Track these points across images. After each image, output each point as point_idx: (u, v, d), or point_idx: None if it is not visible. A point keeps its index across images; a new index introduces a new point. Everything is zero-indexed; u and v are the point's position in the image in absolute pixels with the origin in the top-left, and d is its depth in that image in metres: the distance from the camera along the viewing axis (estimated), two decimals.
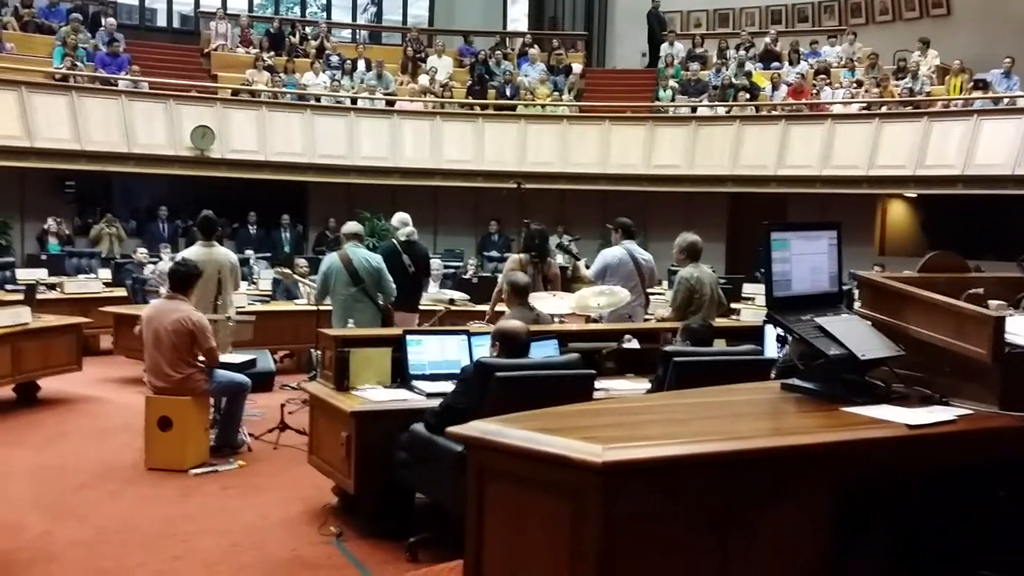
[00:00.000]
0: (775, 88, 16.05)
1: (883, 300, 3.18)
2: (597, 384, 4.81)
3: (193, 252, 7.26)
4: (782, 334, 3.16)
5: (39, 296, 9.57)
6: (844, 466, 2.67)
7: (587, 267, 8.09)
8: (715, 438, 2.65)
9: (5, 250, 13.41)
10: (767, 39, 17.58)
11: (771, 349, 5.46)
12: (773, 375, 4.38)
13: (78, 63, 14.49)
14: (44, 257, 13.01)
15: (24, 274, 11.55)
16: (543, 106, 16.62)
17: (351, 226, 7.75)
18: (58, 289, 11.04)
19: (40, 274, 11.61)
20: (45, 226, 14.10)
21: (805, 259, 3.19)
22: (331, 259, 7.44)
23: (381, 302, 7.35)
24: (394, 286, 7.37)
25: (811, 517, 2.60)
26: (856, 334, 3.05)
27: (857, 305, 3.42)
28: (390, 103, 16.19)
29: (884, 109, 14.86)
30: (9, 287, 10.72)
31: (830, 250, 3.28)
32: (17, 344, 7.77)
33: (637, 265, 7.46)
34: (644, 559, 2.44)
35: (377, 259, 7.39)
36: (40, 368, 8.13)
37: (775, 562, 2.57)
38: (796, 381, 3.15)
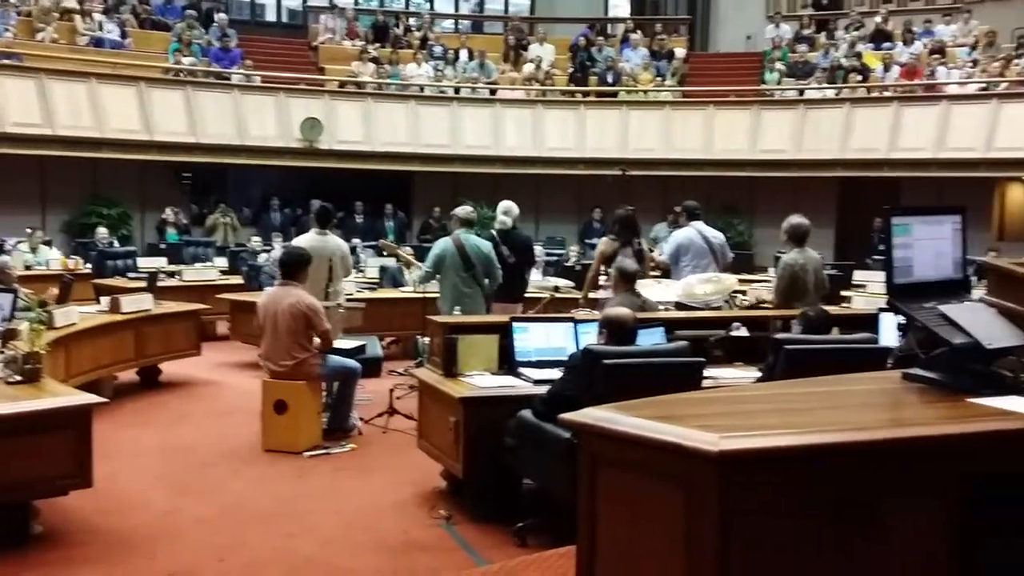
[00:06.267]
0: (887, 69, 15.56)
1: (1011, 287, 3.07)
2: (705, 372, 4.75)
3: (307, 239, 7.46)
4: (903, 322, 3.07)
5: (159, 284, 9.92)
6: (972, 460, 2.58)
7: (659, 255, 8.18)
8: (834, 428, 2.60)
9: (126, 239, 13.98)
10: (878, 19, 17.04)
11: (887, 337, 5.34)
12: (890, 364, 4.29)
13: (192, 58, 14.98)
14: (163, 246, 13.46)
15: (145, 263, 11.97)
16: (645, 92, 16.47)
17: (463, 210, 7.77)
18: (177, 277, 11.41)
19: (160, 262, 12.00)
20: (163, 216, 14.64)
21: (928, 244, 3.09)
22: (444, 243, 7.51)
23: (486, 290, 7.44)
24: (501, 273, 7.45)
25: (939, 513, 2.53)
26: (982, 322, 2.95)
27: (980, 293, 3.30)
28: (492, 92, 16.27)
29: (1002, 89, 14.24)
30: (131, 275, 11.14)
31: (954, 235, 3.16)
32: (141, 330, 8.10)
33: (708, 243, 7.64)
34: (761, 550, 2.41)
35: (488, 246, 7.47)
36: (162, 353, 8.45)
37: (900, 558, 2.51)
38: (918, 371, 3.06)
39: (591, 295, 7.80)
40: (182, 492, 5.53)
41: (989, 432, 2.62)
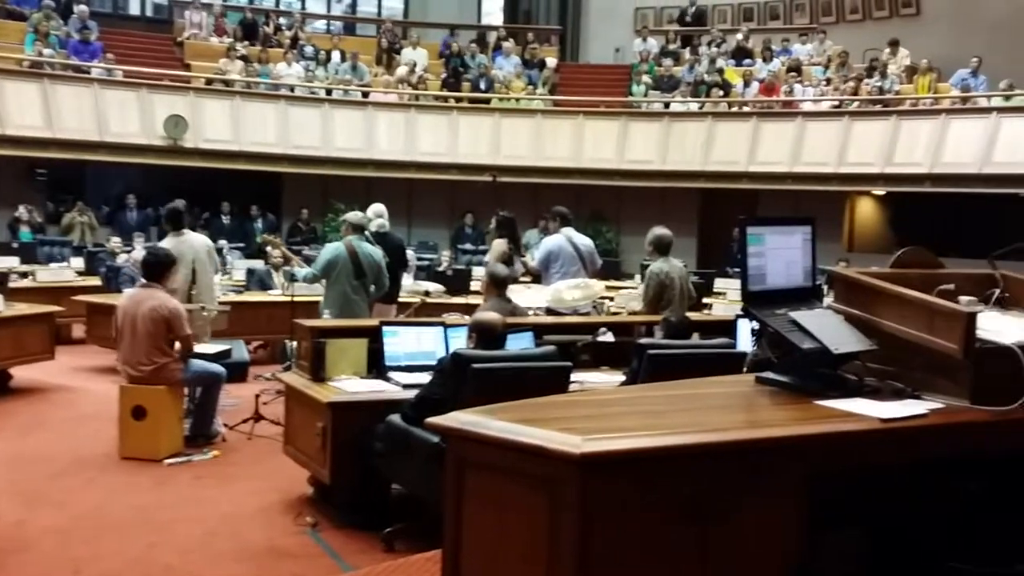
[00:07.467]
0: (747, 85, 16.17)
1: (856, 295, 3.22)
2: (572, 376, 4.85)
3: (166, 244, 7.24)
4: (757, 328, 3.21)
5: (11, 284, 9.49)
6: (818, 459, 2.72)
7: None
8: (692, 430, 2.68)
9: None
10: (739, 36, 17.70)
11: (743, 343, 5.56)
12: (746, 369, 4.47)
13: (50, 50, 14.32)
14: (15, 245, 12.85)
15: None
16: (517, 99, 16.64)
17: (355, 216, 7.62)
18: (30, 278, 10.95)
19: (12, 262, 11.48)
20: (16, 214, 13.95)
21: (780, 254, 3.23)
22: (337, 248, 7.32)
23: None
24: (388, 281, 7.39)
25: (786, 509, 2.64)
26: (829, 328, 3.10)
27: (828, 300, 3.48)
28: (365, 95, 16.14)
29: (854, 107, 15.01)
30: None
31: (804, 245, 3.32)
32: None
33: (577, 250, 7.77)
34: (621, 550, 2.47)
35: (379, 253, 7.36)
36: (12, 357, 8.09)
37: (751, 553, 2.62)
38: (770, 374, 3.20)
39: None
40: (34, 502, 5.30)
41: (834, 433, 2.77)
